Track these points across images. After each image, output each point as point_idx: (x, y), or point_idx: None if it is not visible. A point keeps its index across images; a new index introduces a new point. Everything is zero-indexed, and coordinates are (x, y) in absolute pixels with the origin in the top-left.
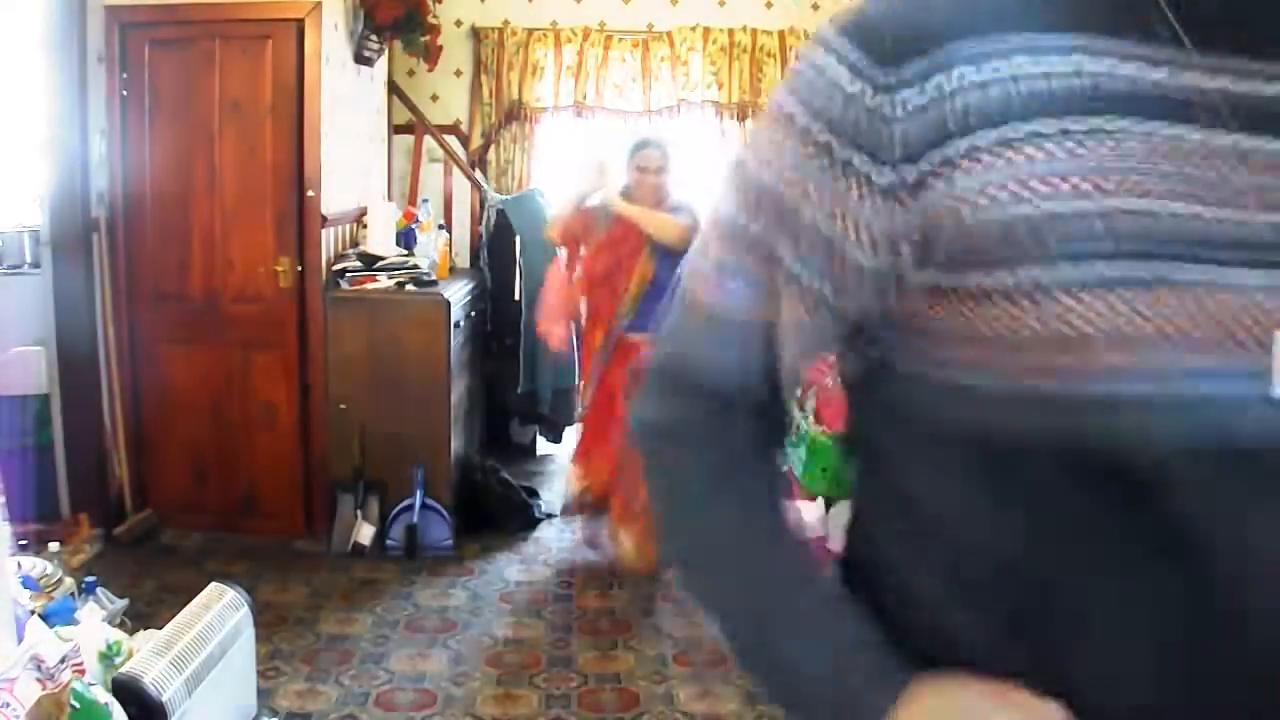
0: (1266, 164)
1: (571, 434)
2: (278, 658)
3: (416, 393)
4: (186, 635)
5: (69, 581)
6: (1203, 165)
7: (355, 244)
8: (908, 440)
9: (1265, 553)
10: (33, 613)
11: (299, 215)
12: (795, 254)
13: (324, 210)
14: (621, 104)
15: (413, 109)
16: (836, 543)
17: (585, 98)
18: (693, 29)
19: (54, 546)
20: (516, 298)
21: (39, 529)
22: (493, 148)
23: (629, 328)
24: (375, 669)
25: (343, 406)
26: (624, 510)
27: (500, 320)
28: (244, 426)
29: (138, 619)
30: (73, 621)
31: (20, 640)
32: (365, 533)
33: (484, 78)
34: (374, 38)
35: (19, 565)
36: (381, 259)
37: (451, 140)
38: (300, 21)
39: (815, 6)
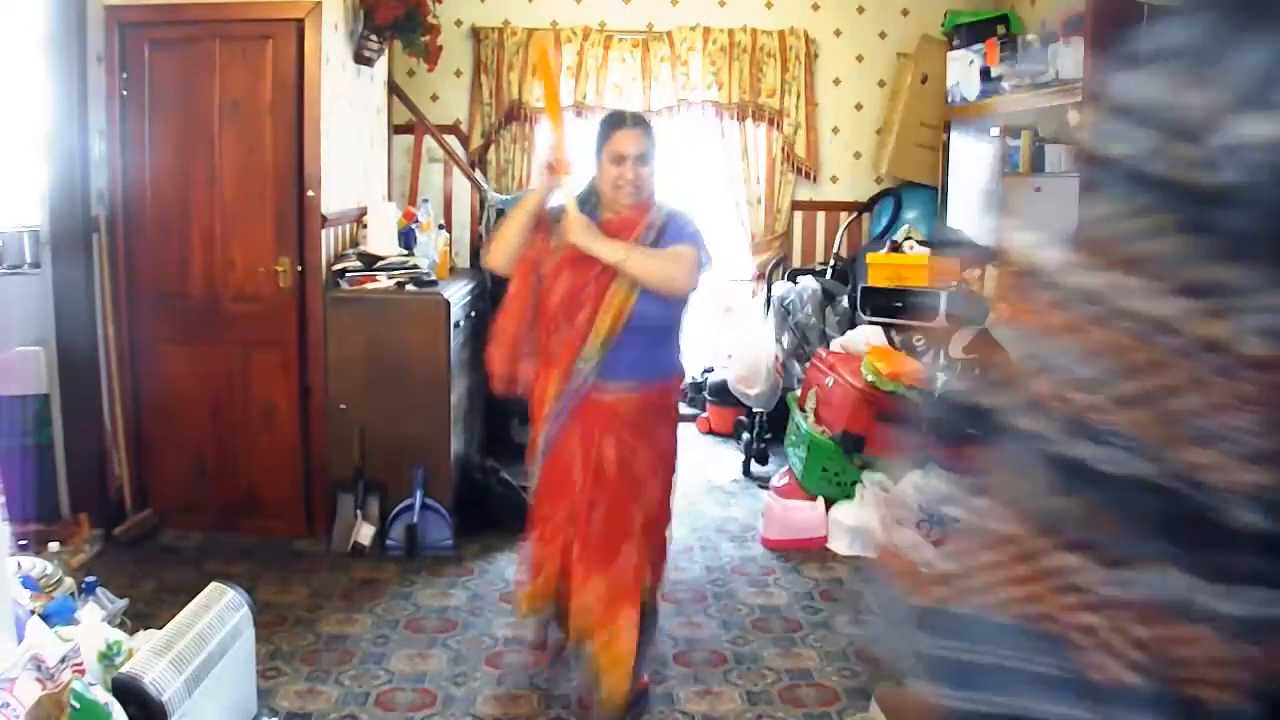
0: None
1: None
2: (278, 658)
3: (416, 393)
4: (186, 635)
5: (69, 581)
6: None
7: (355, 244)
8: None
9: None
10: (33, 613)
11: (299, 215)
12: None
13: (324, 210)
14: (622, 104)
15: (413, 109)
16: (837, 543)
17: (585, 98)
18: (693, 29)
19: (54, 546)
20: None
21: (39, 529)
22: (493, 148)
23: (597, 376)
24: (375, 669)
25: (343, 406)
26: (609, 639)
27: None
28: (244, 426)
29: (138, 619)
30: (73, 621)
31: (20, 640)
32: (365, 533)
33: (484, 78)
34: (374, 38)
35: (19, 565)
36: (381, 259)
37: (451, 140)
38: (300, 21)
39: (815, 7)
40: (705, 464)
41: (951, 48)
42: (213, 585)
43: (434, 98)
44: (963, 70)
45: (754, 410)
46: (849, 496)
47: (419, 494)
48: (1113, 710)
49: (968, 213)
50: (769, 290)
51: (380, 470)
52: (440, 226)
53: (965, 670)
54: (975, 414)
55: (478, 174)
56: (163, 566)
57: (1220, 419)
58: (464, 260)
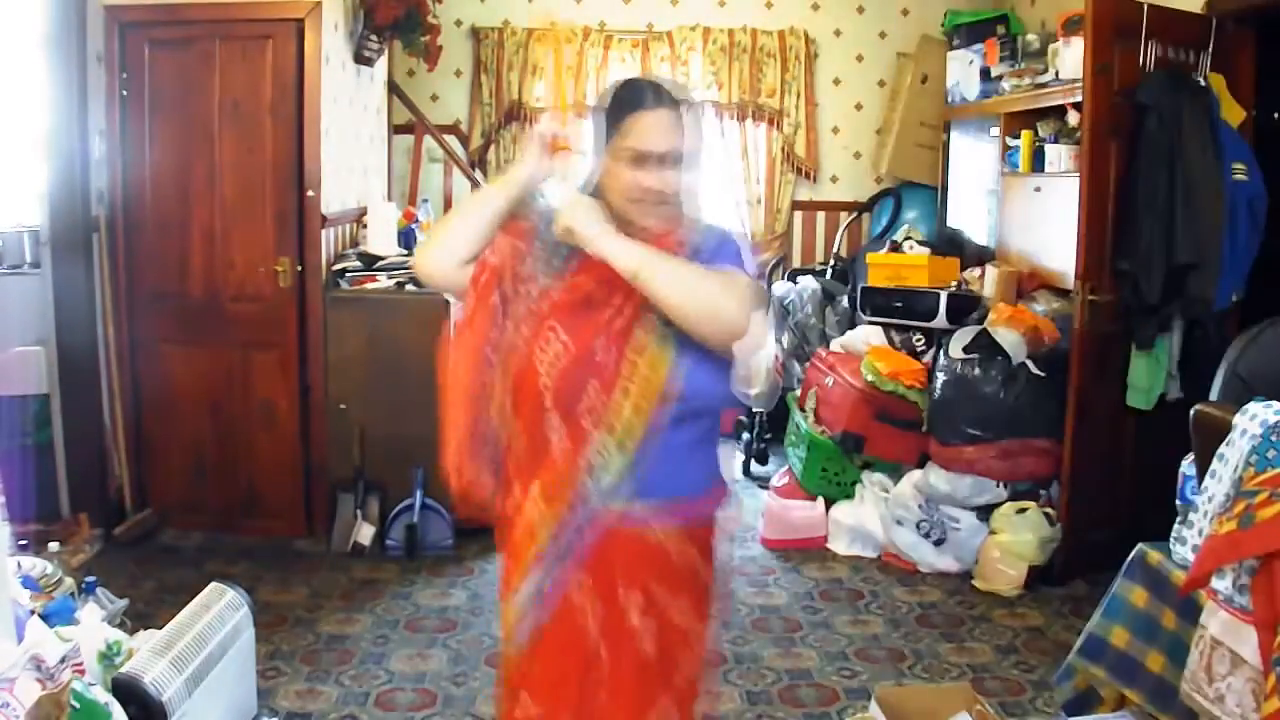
0: None
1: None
2: (278, 658)
3: (416, 393)
4: (186, 635)
5: (69, 581)
6: None
7: (355, 244)
8: None
9: None
10: (33, 613)
11: (299, 215)
12: None
13: (324, 210)
14: None
15: (413, 109)
16: (837, 543)
17: (585, 98)
18: (693, 29)
19: (54, 546)
20: None
21: (39, 529)
22: (492, 148)
23: (618, 495)
24: (375, 669)
25: (343, 406)
26: None
27: None
28: (244, 426)
29: (138, 619)
30: (73, 621)
31: (20, 640)
32: (365, 533)
33: (484, 78)
34: (374, 38)
35: (19, 565)
36: (381, 259)
37: (451, 140)
38: (300, 21)
39: (815, 7)
40: None
41: (951, 48)
42: (213, 585)
43: (434, 98)
44: (963, 70)
45: (754, 410)
46: (849, 496)
47: (419, 494)
48: None
49: (968, 213)
50: (769, 290)
51: (380, 470)
52: None
53: None
54: None
55: (478, 174)
56: (163, 566)
57: None
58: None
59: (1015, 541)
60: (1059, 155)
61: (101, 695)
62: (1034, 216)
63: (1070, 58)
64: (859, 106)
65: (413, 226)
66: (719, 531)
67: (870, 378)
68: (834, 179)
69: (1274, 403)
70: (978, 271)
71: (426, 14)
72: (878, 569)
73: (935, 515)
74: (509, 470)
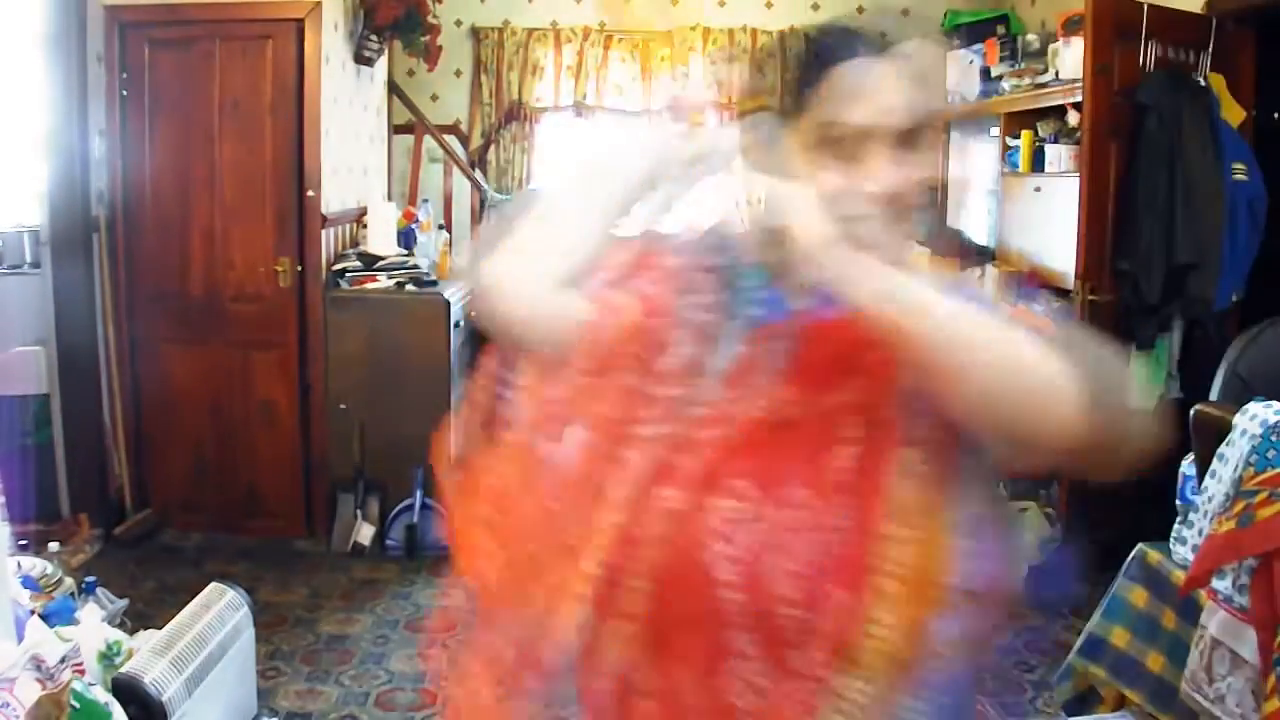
0: None
1: None
2: (278, 658)
3: (416, 393)
4: (186, 635)
5: (69, 581)
6: None
7: (355, 244)
8: None
9: None
10: (33, 613)
11: (299, 215)
12: None
13: (324, 210)
14: (622, 104)
15: (413, 109)
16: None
17: (585, 97)
18: (693, 29)
19: (54, 546)
20: None
21: (39, 529)
22: (493, 148)
23: None
24: (375, 669)
25: (343, 406)
26: None
27: None
28: (244, 426)
29: (138, 619)
30: (73, 621)
31: (20, 640)
32: (365, 533)
33: (484, 78)
34: (374, 38)
35: (19, 565)
36: (381, 259)
37: (451, 140)
38: (300, 21)
39: (815, 7)
40: None
41: (951, 48)
42: (213, 585)
43: (434, 98)
44: (963, 70)
45: None
46: None
47: (419, 494)
48: None
49: (967, 213)
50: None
51: (380, 470)
52: (440, 226)
53: None
54: None
55: (478, 174)
56: (163, 566)
57: None
58: (463, 260)
59: None
60: (1059, 155)
61: (101, 695)
62: (1034, 217)
63: (1070, 58)
64: None
65: (413, 226)
66: None
67: None
68: None
69: (1274, 403)
70: (977, 272)
71: (426, 14)
72: None
73: None
74: None
